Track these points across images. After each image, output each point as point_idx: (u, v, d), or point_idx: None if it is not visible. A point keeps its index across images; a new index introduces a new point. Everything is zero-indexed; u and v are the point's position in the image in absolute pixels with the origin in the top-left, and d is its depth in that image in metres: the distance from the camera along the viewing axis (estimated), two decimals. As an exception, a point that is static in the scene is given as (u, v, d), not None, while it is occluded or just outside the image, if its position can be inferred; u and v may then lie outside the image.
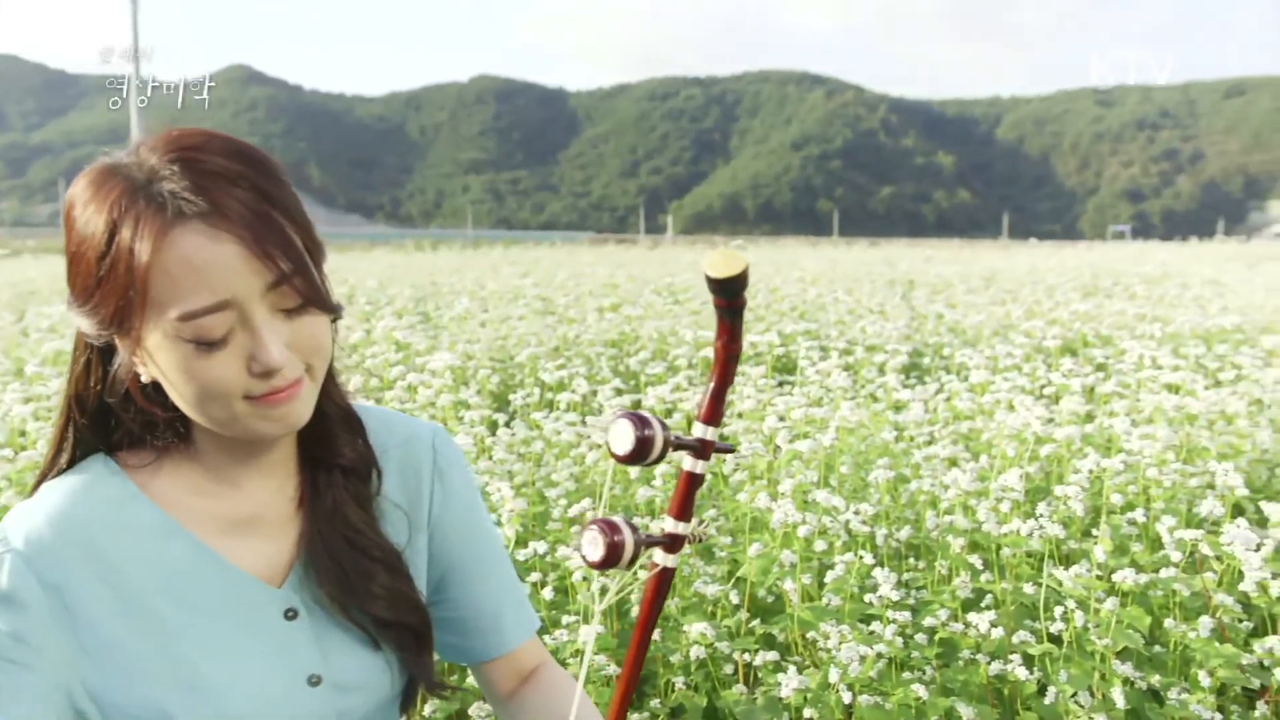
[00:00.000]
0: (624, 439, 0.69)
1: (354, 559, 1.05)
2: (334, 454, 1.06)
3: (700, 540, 0.78)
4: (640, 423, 0.69)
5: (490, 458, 2.99)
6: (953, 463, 3.01)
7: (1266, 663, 2.15)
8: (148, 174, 0.88)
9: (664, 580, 0.78)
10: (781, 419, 3.03)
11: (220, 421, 0.94)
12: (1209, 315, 6.27)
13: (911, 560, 2.78)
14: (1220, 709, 2.24)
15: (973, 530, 2.56)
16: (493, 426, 3.41)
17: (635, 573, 0.74)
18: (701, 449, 0.74)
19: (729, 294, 0.69)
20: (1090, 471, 2.68)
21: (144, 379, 0.95)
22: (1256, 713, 2.22)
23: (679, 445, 0.72)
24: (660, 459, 0.70)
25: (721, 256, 0.68)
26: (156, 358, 0.91)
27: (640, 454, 0.69)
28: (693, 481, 0.75)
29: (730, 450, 0.80)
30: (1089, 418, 3.55)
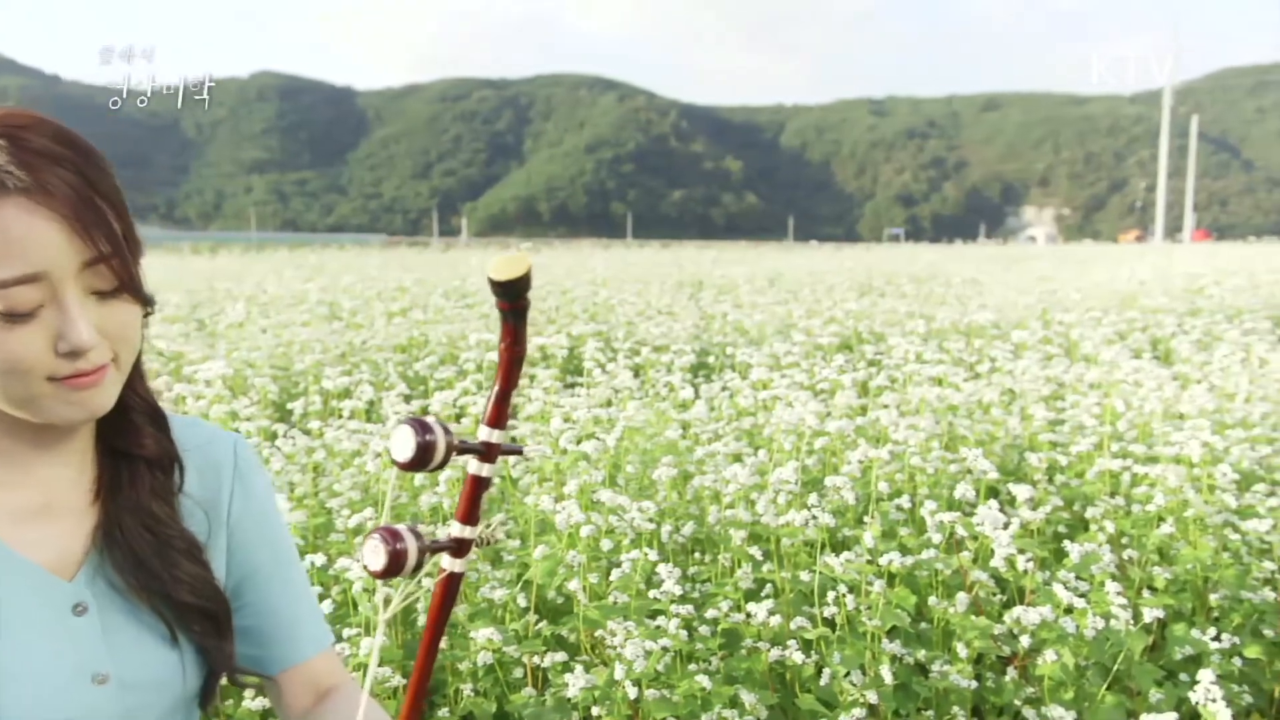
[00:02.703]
0: (405, 446, 0.67)
1: (156, 547, 1.02)
2: (137, 445, 1.04)
3: (488, 544, 0.78)
4: (421, 428, 0.68)
5: (268, 468, 2.87)
6: (736, 458, 3.11)
7: (1015, 631, 2.32)
8: None
9: (451, 586, 0.77)
10: (568, 420, 3.05)
11: (19, 400, 0.91)
12: (968, 312, 6.73)
13: (697, 555, 2.85)
14: (977, 677, 2.40)
15: (753, 523, 2.65)
16: (271, 437, 3.28)
17: (419, 580, 0.73)
18: (487, 452, 0.73)
19: (511, 296, 0.69)
20: (860, 462, 2.83)
21: None
22: (1007, 677, 2.39)
23: (463, 449, 0.71)
24: (444, 464, 0.69)
25: (504, 259, 0.68)
26: None
27: (422, 460, 0.68)
28: (478, 485, 0.74)
29: (517, 452, 0.80)
30: (862, 411, 3.74)
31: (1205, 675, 1.80)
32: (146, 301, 0.97)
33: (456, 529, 0.75)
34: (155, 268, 15.29)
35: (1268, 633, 2.63)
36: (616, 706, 2.11)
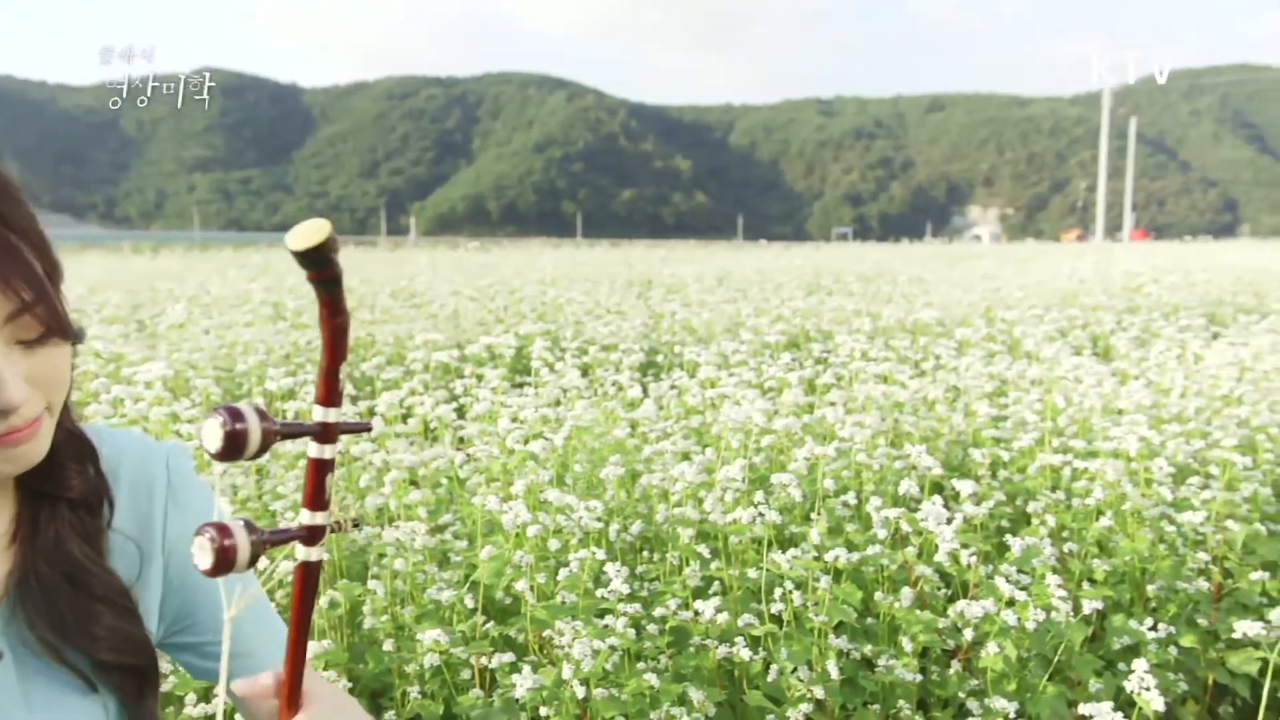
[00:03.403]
0: (213, 436, 0.65)
1: (74, 599, 0.96)
2: (61, 487, 0.98)
3: (343, 529, 0.76)
4: (232, 416, 0.65)
5: (210, 471, 2.82)
6: (684, 456, 3.12)
7: (959, 625, 2.35)
8: None
9: (309, 575, 0.75)
10: (515, 420, 3.03)
11: None
12: (914, 310, 6.80)
13: (645, 553, 2.85)
14: (922, 670, 2.43)
15: (701, 521, 2.66)
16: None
17: (271, 574, 0.71)
18: (324, 433, 0.71)
19: (318, 265, 0.66)
20: (807, 459, 2.85)
21: None
22: (951, 670, 2.43)
23: (293, 433, 0.69)
24: (263, 451, 0.67)
25: (303, 227, 0.65)
26: None
27: (234, 449, 0.65)
28: (320, 468, 0.72)
29: (365, 429, 0.77)
30: (809, 409, 3.77)
31: (1139, 664, 1.83)
32: (75, 337, 0.91)
33: (306, 516, 0.73)
34: (94, 268, 14.99)
35: (1202, 621, 2.69)
36: (564, 706, 2.11)
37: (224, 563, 0.67)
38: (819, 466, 2.83)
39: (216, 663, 1.10)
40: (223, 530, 0.67)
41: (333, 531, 0.74)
